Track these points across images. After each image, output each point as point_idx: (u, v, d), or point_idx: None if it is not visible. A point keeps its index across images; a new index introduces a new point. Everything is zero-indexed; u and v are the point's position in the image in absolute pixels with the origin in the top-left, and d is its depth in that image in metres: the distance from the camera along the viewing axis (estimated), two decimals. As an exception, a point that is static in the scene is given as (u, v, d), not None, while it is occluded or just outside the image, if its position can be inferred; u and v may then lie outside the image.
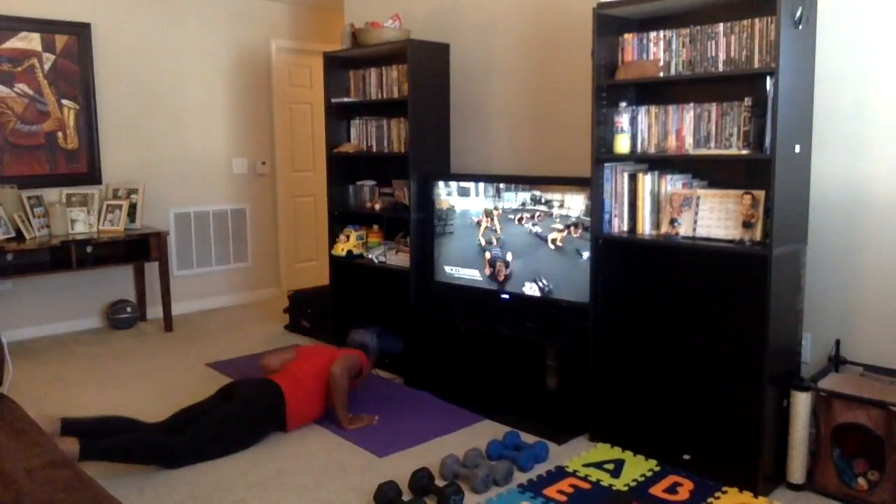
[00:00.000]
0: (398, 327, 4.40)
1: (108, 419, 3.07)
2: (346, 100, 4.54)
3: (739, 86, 2.93)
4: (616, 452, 3.13)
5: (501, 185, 3.70)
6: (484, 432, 3.38)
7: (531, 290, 3.60)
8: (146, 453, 2.95)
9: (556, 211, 3.48)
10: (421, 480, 2.75)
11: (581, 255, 3.38)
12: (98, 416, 3.12)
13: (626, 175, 3.14)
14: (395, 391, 3.94)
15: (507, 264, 3.68)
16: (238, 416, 3.17)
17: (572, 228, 3.41)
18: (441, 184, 4.01)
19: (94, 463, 2.85)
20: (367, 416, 3.53)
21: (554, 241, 3.49)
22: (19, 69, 4.86)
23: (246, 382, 3.37)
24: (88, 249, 4.96)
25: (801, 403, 2.74)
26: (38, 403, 3.71)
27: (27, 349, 4.77)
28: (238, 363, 4.44)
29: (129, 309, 5.27)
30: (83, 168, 5.16)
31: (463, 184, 3.90)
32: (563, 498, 2.73)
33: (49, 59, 4.96)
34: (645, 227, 3.11)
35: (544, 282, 3.55)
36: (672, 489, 2.80)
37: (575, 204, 3.40)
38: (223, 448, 3.12)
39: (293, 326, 5.23)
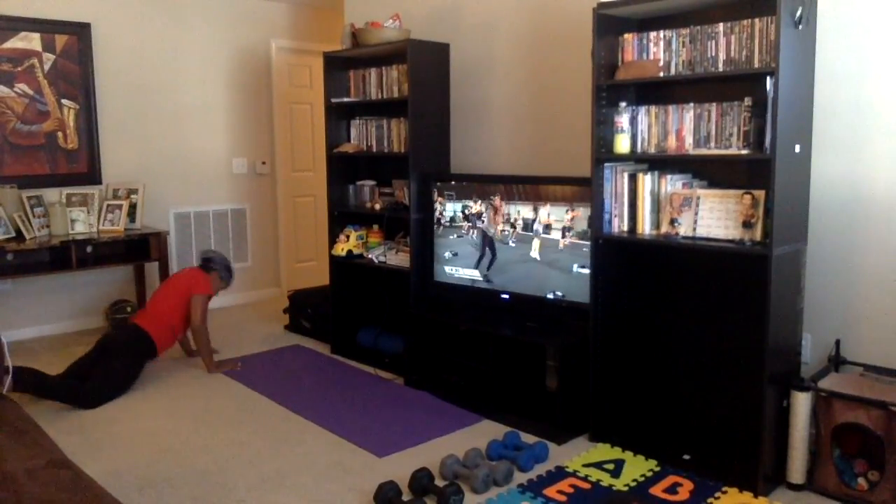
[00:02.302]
0: (398, 327, 4.40)
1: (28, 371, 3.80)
2: (346, 100, 4.54)
3: (739, 86, 2.93)
4: (616, 452, 3.13)
5: (497, 202, 3.71)
6: (484, 432, 3.38)
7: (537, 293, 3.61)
8: (66, 394, 3.70)
9: (541, 219, 3.52)
10: (421, 480, 2.75)
11: (573, 269, 3.39)
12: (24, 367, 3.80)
13: (626, 175, 3.14)
14: (395, 391, 3.94)
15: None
16: (120, 366, 3.91)
17: (563, 235, 3.42)
18: (438, 195, 4.01)
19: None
20: (230, 360, 4.39)
21: (539, 247, 3.51)
22: (19, 69, 4.86)
23: (117, 335, 4.07)
24: (88, 249, 4.96)
25: (801, 403, 2.74)
26: (39, 403, 3.71)
27: (27, 349, 4.77)
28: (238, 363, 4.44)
29: (129, 309, 5.27)
30: (83, 168, 5.16)
31: (460, 196, 3.90)
32: (563, 498, 2.73)
33: (49, 59, 4.96)
34: (645, 227, 3.11)
35: (556, 292, 3.56)
36: (672, 489, 2.80)
37: (559, 214, 3.44)
38: (117, 389, 3.86)
39: (293, 326, 5.23)
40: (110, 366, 3.86)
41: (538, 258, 3.56)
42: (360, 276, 4.72)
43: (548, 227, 3.52)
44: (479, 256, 3.83)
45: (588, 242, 3.29)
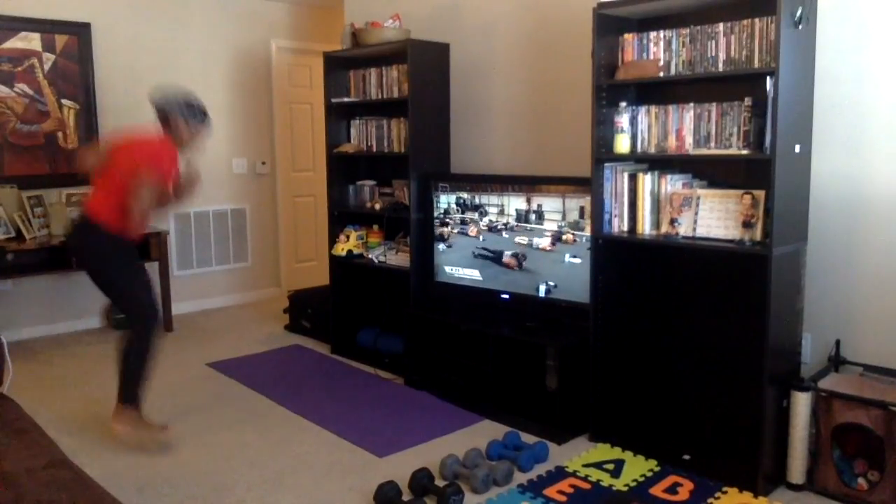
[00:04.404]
0: (398, 327, 4.40)
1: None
2: (346, 100, 4.54)
3: (739, 86, 2.93)
4: (616, 452, 3.13)
5: (493, 214, 3.71)
6: (484, 432, 3.38)
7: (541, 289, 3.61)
8: (141, 359, 3.31)
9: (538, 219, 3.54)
10: (421, 480, 2.76)
11: (564, 259, 3.40)
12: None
13: (626, 175, 3.14)
14: (395, 391, 3.94)
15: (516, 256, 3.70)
16: (113, 279, 3.34)
17: (561, 237, 3.43)
18: (440, 195, 4.01)
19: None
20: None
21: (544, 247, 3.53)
22: (19, 69, 4.86)
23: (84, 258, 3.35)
24: (88, 249, 4.96)
25: (801, 403, 2.74)
26: (39, 403, 3.71)
27: (27, 349, 4.77)
28: (238, 363, 4.44)
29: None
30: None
31: (461, 194, 3.90)
32: (563, 498, 2.73)
33: (49, 59, 4.96)
34: (645, 227, 3.11)
35: (550, 283, 3.56)
36: (672, 489, 2.80)
37: (556, 207, 3.44)
38: (139, 294, 3.41)
39: (293, 326, 5.23)
40: (112, 292, 3.36)
41: (548, 248, 3.57)
42: (360, 276, 4.72)
43: (541, 218, 3.53)
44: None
45: (583, 233, 3.30)
